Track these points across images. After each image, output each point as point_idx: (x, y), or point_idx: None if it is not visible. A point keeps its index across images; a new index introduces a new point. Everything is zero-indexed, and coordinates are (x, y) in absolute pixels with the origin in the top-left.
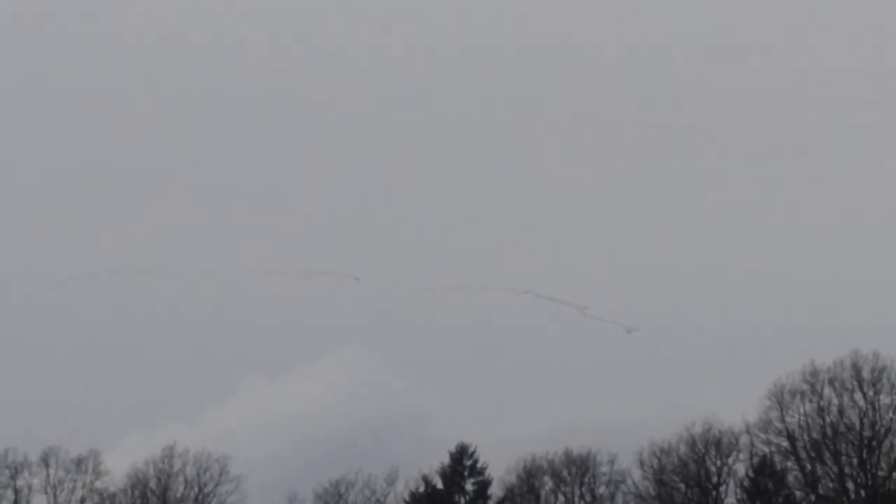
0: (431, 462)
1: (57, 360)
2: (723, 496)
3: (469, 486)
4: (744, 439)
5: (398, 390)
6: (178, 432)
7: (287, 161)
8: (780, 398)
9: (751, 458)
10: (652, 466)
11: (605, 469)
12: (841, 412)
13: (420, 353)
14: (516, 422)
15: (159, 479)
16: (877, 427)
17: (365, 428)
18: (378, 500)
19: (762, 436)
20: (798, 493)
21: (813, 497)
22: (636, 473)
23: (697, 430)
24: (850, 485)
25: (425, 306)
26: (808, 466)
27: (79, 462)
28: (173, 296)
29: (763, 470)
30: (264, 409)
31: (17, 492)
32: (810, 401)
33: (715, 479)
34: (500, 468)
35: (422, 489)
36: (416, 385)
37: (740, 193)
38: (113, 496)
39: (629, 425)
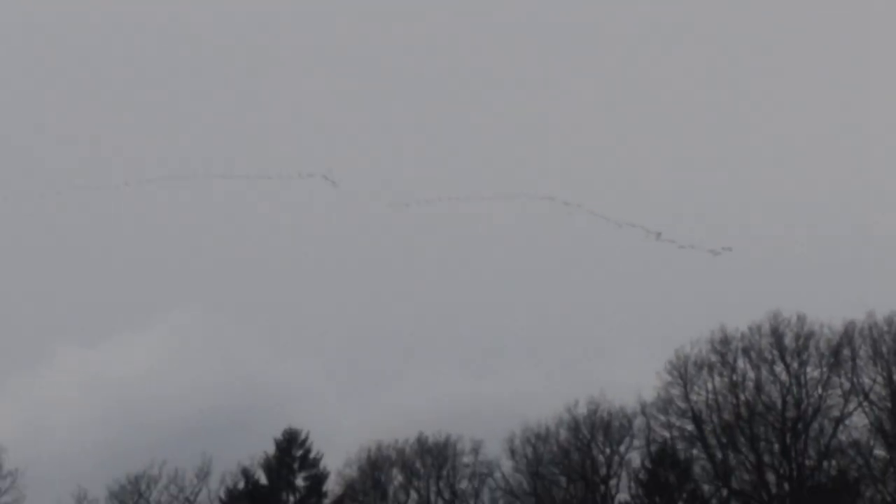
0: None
1: None
2: (613, 491)
3: (300, 481)
4: (639, 422)
5: (238, 362)
6: None
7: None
8: (684, 372)
9: (648, 446)
10: (525, 456)
11: (467, 459)
12: (758, 388)
13: (284, 311)
14: (379, 403)
15: None
16: (802, 406)
17: (182, 414)
18: (187, 499)
19: (661, 418)
20: (707, 488)
21: (725, 492)
22: (506, 464)
23: (581, 411)
24: (771, 476)
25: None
26: (719, 455)
27: None
28: None
29: (663, 459)
30: (54, 390)
31: None
32: (721, 375)
33: (604, 471)
34: (339, 460)
35: (241, 485)
36: (265, 356)
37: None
38: None
39: (496, 406)
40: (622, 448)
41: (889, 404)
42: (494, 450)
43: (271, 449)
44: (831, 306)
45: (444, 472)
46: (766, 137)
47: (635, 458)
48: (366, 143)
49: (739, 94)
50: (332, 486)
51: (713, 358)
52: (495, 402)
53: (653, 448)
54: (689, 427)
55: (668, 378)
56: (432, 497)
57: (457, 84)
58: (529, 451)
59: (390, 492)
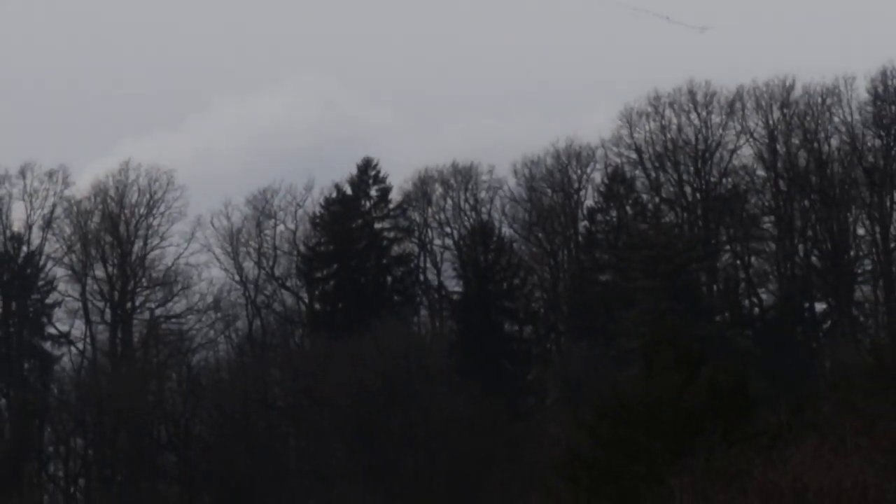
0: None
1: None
2: (583, 199)
3: (373, 192)
4: (599, 153)
5: (338, 107)
6: (133, 149)
7: None
8: (630, 118)
9: (605, 168)
10: (524, 175)
11: (485, 178)
12: (679, 130)
13: (376, 71)
14: (428, 139)
15: (117, 189)
16: (709, 142)
17: (299, 150)
18: (298, 204)
19: (615, 149)
20: (645, 197)
21: (657, 199)
22: (511, 181)
23: (561, 145)
24: (688, 189)
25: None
26: (653, 175)
27: (51, 174)
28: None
29: (616, 178)
30: (221, 129)
31: None
32: (654, 120)
33: (576, 186)
34: (400, 178)
35: (334, 195)
36: (358, 104)
37: None
38: (79, 203)
39: (502, 141)
40: (588, 170)
41: (767, 140)
42: (504, 171)
43: (355, 171)
44: (728, 71)
45: (470, 186)
46: None
47: (597, 177)
48: None
49: None
50: (395, 196)
51: (649, 109)
52: (507, 138)
53: (609, 170)
54: (634, 156)
55: (619, 122)
56: (462, 203)
57: None
58: (527, 171)
59: (433, 199)
